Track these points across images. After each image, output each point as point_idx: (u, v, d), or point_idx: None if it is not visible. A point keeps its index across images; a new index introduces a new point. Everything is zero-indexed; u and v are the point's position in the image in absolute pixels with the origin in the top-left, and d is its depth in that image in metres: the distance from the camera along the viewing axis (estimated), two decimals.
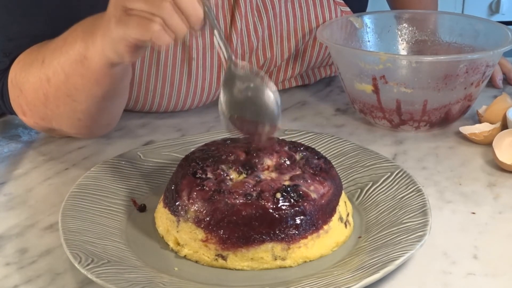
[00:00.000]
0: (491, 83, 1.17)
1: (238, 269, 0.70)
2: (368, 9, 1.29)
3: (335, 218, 0.73)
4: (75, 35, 0.81)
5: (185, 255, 0.71)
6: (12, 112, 0.95)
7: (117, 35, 0.73)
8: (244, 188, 0.70)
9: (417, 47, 1.14)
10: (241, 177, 0.73)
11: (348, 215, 0.76)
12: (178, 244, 0.72)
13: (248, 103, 0.73)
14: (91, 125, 0.92)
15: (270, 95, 0.73)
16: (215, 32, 0.73)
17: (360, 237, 0.74)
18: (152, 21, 0.70)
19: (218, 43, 0.73)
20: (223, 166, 0.74)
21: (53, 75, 0.84)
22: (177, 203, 0.72)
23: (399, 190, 0.79)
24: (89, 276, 0.64)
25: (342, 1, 1.13)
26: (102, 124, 0.94)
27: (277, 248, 0.69)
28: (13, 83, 0.90)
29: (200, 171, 0.73)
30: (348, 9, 1.14)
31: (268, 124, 0.73)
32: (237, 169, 0.73)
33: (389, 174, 0.83)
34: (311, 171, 0.74)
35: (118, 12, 0.71)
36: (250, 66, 0.74)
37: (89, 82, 0.82)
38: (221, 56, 0.74)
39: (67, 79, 0.83)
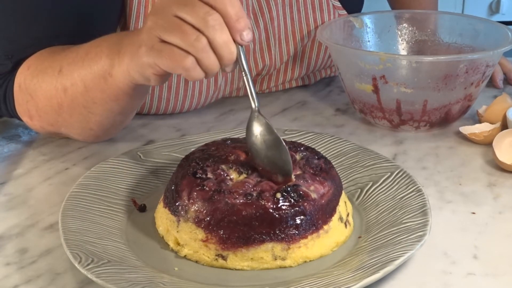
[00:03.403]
0: (491, 83, 1.17)
1: (238, 269, 0.70)
2: (366, 9, 1.28)
3: (335, 218, 0.73)
4: (99, 51, 0.82)
5: (185, 255, 0.71)
6: (13, 116, 0.94)
7: (147, 62, 0.73)
8: (244, 188, 0.70)
9: (417, 47, 1.14)
10: (241, 177, 0.73)
11: (348, 215, 0.76)
12: (178, 244, 0.72)
13: (265, 152, 0.72)
14: (101, 134, 0.93)
15: (286, 150, 0.72)
16: (244, 77, 0.72)
17: (360, 237, 0.74)
18: (186, 57, 0.69)
19: (248, 88, 0.72)
20: (223, 166, 0.73)
21: (71, 86, 0.85)
22: (177, 203, 0.72)
23: (399, 190, 0.79)
24: (89, 276, 0.64)
25: (340, 5, 1.12)
26: (110, 133, 0.96)
27: (277, 248, 0.69)
28: (21, 87, 0.90)
29: (200, 171, 0.73)
30: (345, 13, 1.13)
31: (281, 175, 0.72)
32: (237, 169, 0.73)
33: (389, 174, 0.83)
34: (311, 171, 0.74)
35: (152, 40, 0.72)
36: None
37: (108, 97, 0.83)
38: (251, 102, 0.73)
39: (87, 92, 0.84)
